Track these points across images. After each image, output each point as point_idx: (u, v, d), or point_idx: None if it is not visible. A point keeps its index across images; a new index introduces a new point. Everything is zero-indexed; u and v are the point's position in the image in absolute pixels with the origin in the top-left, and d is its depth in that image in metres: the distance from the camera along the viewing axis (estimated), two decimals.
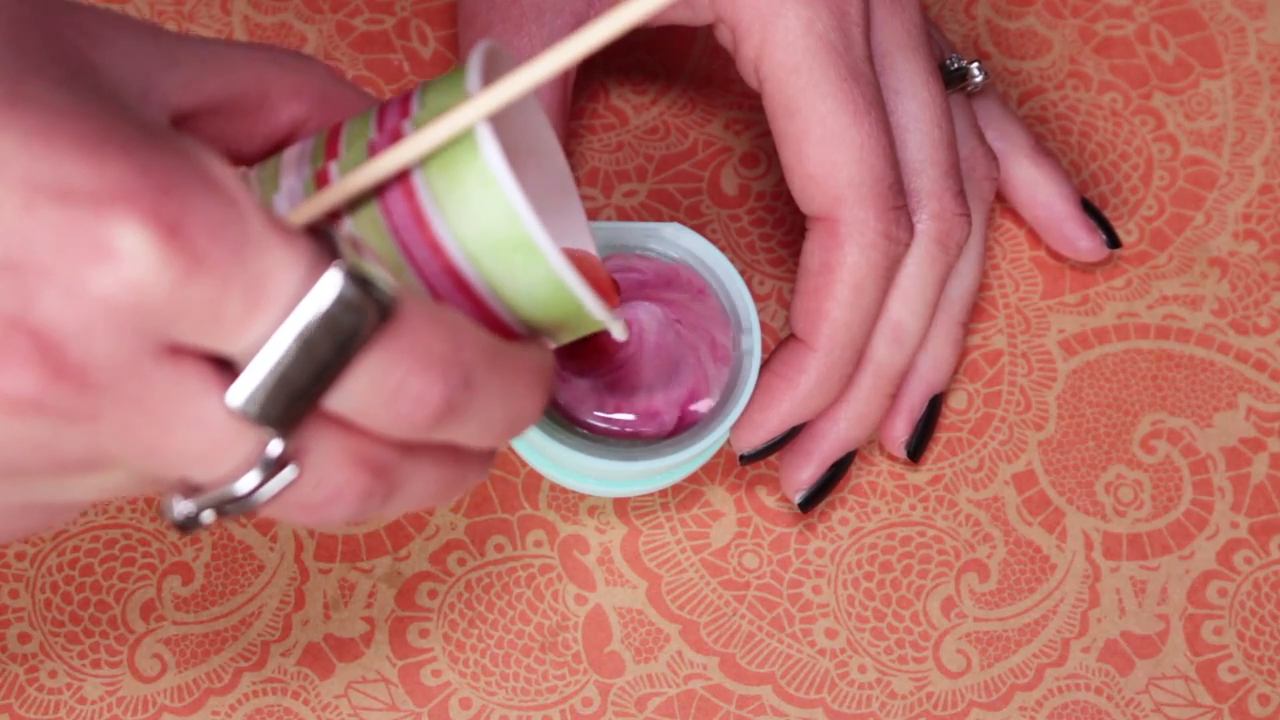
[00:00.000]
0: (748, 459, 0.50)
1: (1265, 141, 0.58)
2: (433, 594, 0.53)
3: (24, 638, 0.52)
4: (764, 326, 0.55)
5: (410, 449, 0.36)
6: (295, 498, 0.35)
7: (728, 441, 0.53)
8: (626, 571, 0.53)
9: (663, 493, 0.54)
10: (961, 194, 0.50)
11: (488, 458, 0.39)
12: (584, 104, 0.58)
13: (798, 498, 0.51)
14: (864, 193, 0.47)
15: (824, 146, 0.47)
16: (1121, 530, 0.54)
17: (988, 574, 0.53)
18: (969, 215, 0.50)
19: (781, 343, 0.50)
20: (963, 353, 0.56)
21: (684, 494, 0.54)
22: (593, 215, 0.57)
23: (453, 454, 0.37)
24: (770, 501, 0.54)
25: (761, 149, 0.57)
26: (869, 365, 0.50)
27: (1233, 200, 0.58)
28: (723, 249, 0.56)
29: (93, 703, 0.51)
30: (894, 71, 0.49)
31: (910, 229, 0.48)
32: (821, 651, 0.53)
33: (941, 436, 0.55)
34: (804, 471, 0.51)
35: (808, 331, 0.48)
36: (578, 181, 0.57)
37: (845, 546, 0.54)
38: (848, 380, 0.49)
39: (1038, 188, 0.55)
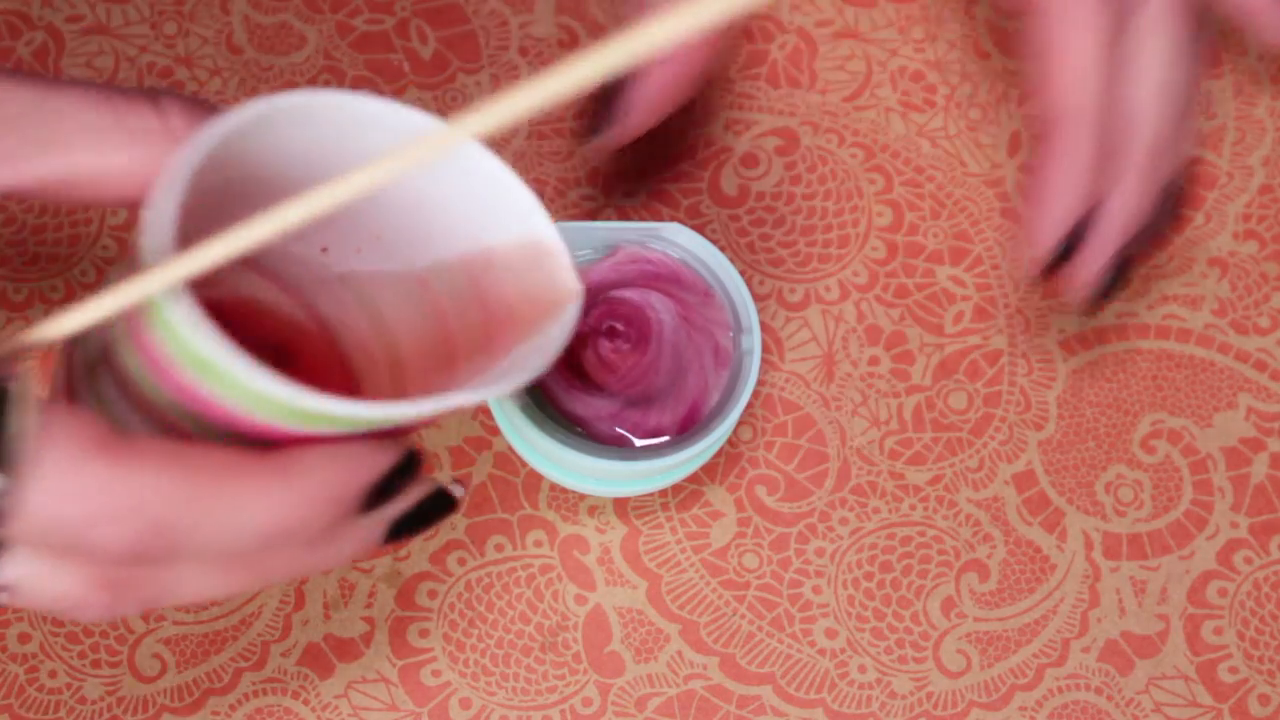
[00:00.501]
0: (1048, 269, 0.48)
1: (1265, 141, 0.58)
2: (433, 594, 0.53)
3: (24, 638, 0.52)
4: (764, 327, 0.55)
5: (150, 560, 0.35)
6: (27, 603, 0.35)
7: (729, 441, 0.53)
8: (626, 571, 0.53)
9: (663, 493, 0.54)
10: None
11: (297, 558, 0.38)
12: (584, 104, 0.58)
13: (1087, 294, 0.49)
14: None
15: None
16: (1121, 530, 0.54)
17: (988, 574, 0.53)
18: None
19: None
20: (961, 353, 0.56)
21: (684, 494, 0.54)
22: (593, 215, 0.57)
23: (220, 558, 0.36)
24: (770, 501, 0.54)
25: (761, 149, 0.57)
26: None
27: (1233, 200, 0.58)
28: (722, 249, 0.56)
29: (93, 703, 0.51)
30: None
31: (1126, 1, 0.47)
32: (821, 651, 0.53)
33: (942, 436, 0.55)
34: (1097, 260, 0.49)
35: (1050, 118, 0.47)
36: (578, 182, 0.57)
37: (845, 546, 0.54)
38: (1093, 156, 0.47)
39: None
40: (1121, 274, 0.49)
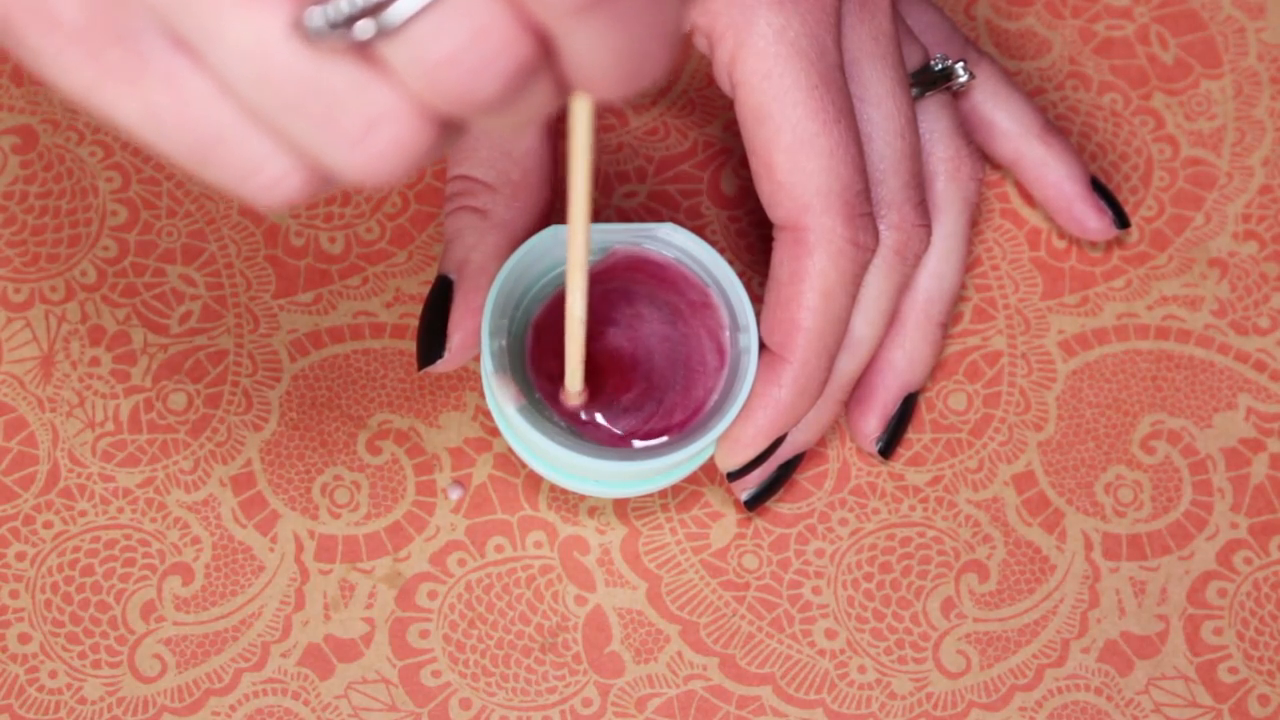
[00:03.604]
0: (734, 476, 0.50)
1: (1265, 142, 0.58)
2: (433, 595, 0.53)
3: (24, 638, 0.52)
4: None
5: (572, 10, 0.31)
6: (436, 31, 0.30)
7: None
8: (626, 572, 0.53)
9: (663, 493, 0.54)
10: (922, 204, 0.50)
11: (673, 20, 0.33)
12: None
13: (744, 495, 0.52)
14: (832, 200, 0.47)
15: (793, 154, 0.47)
16: (1121, 531, 0.54)
17: (987, 574, 0.53)
18: (929, 226, 0.51)
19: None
20: (961, 353, 0.56)
21: (684, 494, 0.54)
22: (593, 216, 0.57)
23: (627, 13, 0.31)
24: (770, 502, 0.54)
25: None
26: None
27: (1232, 201, 0.58)
28: (721, 250, 0.56)
29: (93, 703, 0.51)
30: (860, 80, 0.49)
31: (877, 236, 0.48)
32: (821, 652, 0.53)
33: (941, 437, 0.55)
34: (753, 471, 0.51)
35: (781, 344, 0.48)
36: None
37: (845, 547, 0.54)
38: (823, 389, 0.49)
39: (1047, 168, 0.55)
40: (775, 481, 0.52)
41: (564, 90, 0.32)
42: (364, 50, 0.31)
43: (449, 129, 0.32)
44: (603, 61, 0.31)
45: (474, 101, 0.31)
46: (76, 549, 0.53)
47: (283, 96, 0.31)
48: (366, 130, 0.32)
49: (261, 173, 0.33)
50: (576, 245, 0.41)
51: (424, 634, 0.52)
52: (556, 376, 0.49)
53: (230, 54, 0.31)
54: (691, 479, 0.54)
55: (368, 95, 0.31)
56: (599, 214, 0.57)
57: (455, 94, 0.31)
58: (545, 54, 0.31)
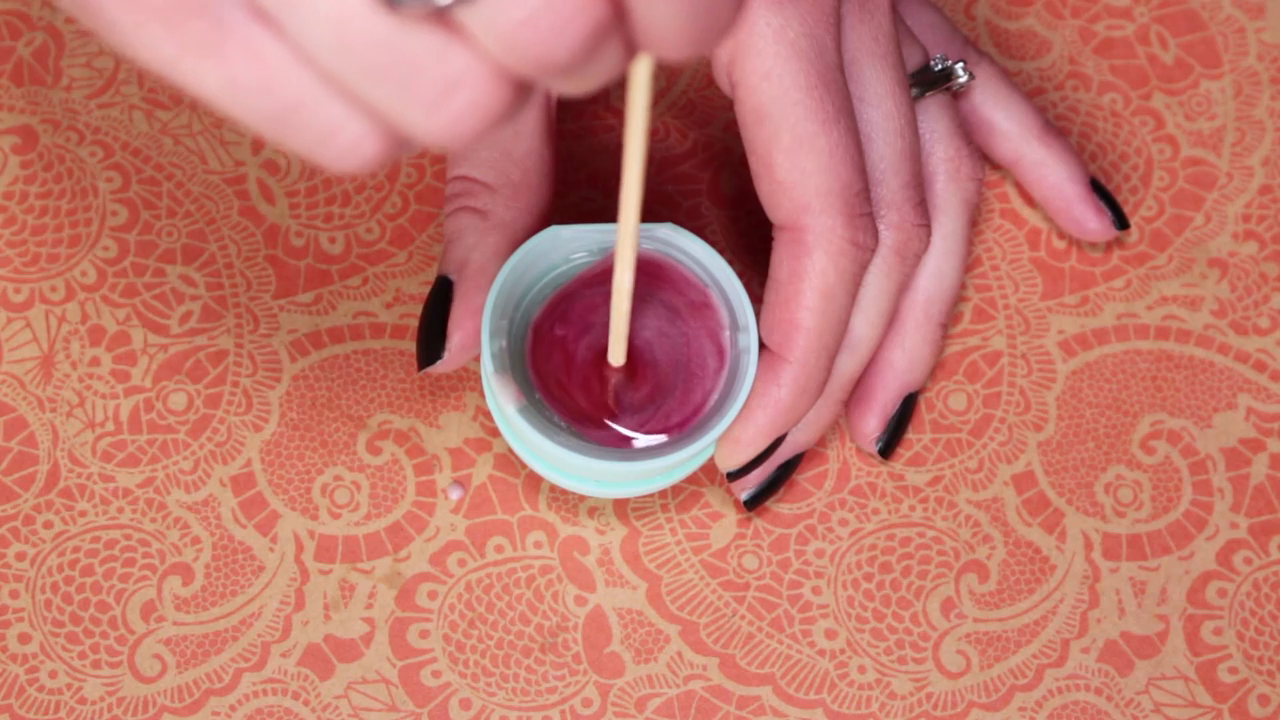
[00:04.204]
0: (734, 476, 0.50)
1: (1265, 142, 0.58)
2: (433, 595, 0.53)
3: (24, 638, 0.52)
4: None
5: None
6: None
7: None
8: (626, 572, 0.53)
9: (662, 494, 0.54)
10: (922, 204, 0.50)
11: None
12: (584, 104, 0.58)
13: (744, 495, 0.52)
14: (831, 200, 0.47)
15: (792, 154, 0.47)
16: (1121, 531, 0.54)
17: (987, 575, 0.53)
18: (928, 226, 0.51)
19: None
20: (961, 353, 0.56)
21: (684, 495, 0.54)
22: (593, 216, 0.57)
23: None
24: (770, 502, 0.54)
25: None
26: None
27: (1232, 201, 0.58)
28: (722, 250, 0.56)
29: (93, 703, 0.51)
30: (859, 80, 0.49)
31: (876, 236, 0.48)
32: (821, 652, 0.53)
33: (941, 437, 0.55)
34: (753, 471, 0.51)
35: (781, 343, 0.48)
36: (578, 183, 0.57)
37: (845, 547, 0.54)
38: (823, 388, 0.50)
39: (1047, 169, 0.55)
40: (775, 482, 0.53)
41: (634, 52, 0.33)
42: (442, 15, 0.31)
43: (523, 91, 0.33)
44: (674, 22, 0.32)
45: (549, 64, 0.32)
46: (76, 549, 0.53)
47: (362, 62, 0.32)
48: (444, 94, 0.32)
49: (340, 137, 0.34)
50: (628, 215, 0.41)
51: (424, 634, 0.52)
52: (555, 376, 0.49)
53: (310, 22, 0.32)
54: (691, 479, 0.54)
55: (445, 59, 0.32)
56: (598, 215, 0.57)
57: (531, 56, 0.31)
58: (618, 15, 0.32)
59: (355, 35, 0.32)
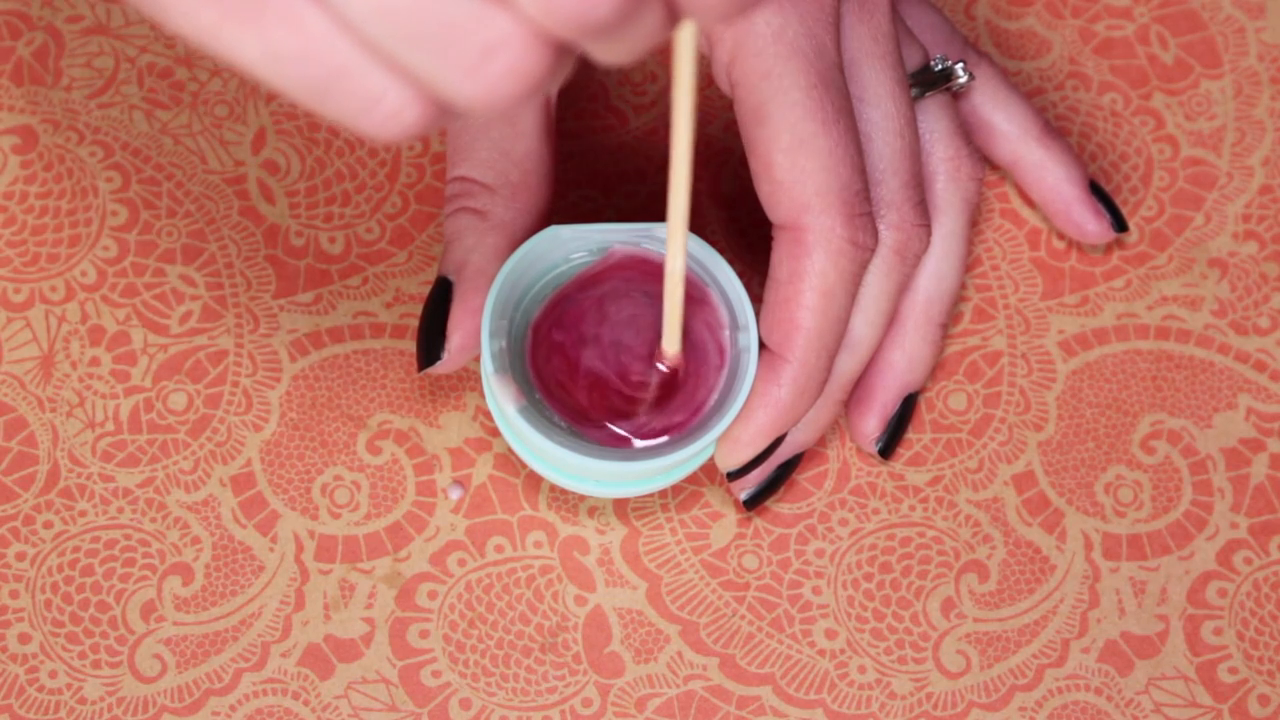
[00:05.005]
0: (734, 476, 0.50)
1: (1265, 142, 0.58)
2: (433, 595, 0.53)
3: (24, 638, 0.52)
4: None
5: None
6: None
7: None
8: (626, 572, 0.53)
9: (663, 493, 0.54)
10: (922, 204, 0.50)
11: None
12: (584, 105, 0.58)
13: (744, 495, 0.52)
14: (831, 200, 0.47)
15: (792, 154, 0.47)
16: (1121, 531, 0.54)
17: (987, 575, 0.53)
18: (928, 226, 0.51)
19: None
20: (961, 353, 0.56)
21: (684, 495, 0.54)
22: (593, 216, 0.57)
23: None
24: (770, 502, 0.54)
25: None
26: None
27: (1233, 201, 0.58)
28: (721, 250, 0.56)
29: (93, 703, 0.51)
30: (859, 80, 0.49)
31: (876, 236, 0.48)
32: (821, 652, 0.53)
33: (941, 437, 0.55)
34: (753, 471, 0.51)
35: (781, 343, 0.48)
36: (578, 183, 0.57)
37: (845, 547, 0.54)
38: (823, 388, 0.49)
39: (1046, 170, 0.55)
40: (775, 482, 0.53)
41: (674, 16, 0.33)
42: None
43: (563, 55, 0.33)
44: None
45: (588, 25, 0.32)
46: (76, 549, 0.53)
47: (402, 28, 0.32)
48: (484, 57, 0.32)
49: (381, 105, 0.34)
50: (678, 193, 0.40)
51: (424, 634, 0.52)
52: (554, 377, 0.49)
53: None
54: (691, 479, 0.54)
55: (485, 23, 0.32)
56: (598, 214, 0.57)
57: (571, 18, 0.31)
58: None
59: (395, 2, 0.32)
